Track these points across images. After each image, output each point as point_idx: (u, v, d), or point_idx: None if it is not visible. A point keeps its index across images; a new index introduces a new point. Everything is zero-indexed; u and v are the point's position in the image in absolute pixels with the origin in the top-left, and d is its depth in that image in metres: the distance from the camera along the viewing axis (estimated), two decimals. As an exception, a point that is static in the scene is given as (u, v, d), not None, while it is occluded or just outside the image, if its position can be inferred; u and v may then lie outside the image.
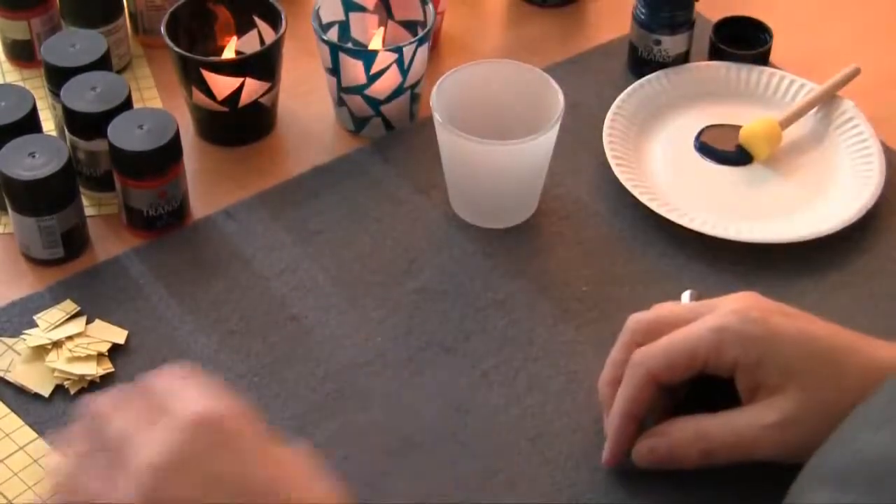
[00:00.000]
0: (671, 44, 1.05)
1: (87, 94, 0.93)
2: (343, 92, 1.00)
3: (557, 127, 0.91)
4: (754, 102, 1.04)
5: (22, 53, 1.07)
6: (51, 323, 0.88)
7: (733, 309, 0.76)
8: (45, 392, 0.84)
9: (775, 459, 0.74)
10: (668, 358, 0.76)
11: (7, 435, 0.80)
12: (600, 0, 1.15)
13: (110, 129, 0.91)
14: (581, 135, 1.01)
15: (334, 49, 0.98)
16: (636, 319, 0.80)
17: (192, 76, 0.97)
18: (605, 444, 0.79)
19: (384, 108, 1.01)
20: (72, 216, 0.91)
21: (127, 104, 0.93)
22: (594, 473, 0.80)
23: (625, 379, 0.77)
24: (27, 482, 0.77)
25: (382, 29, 1.03)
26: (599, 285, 0.91)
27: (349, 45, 1.02)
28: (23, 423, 0.81)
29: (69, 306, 0.89)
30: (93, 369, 0.85)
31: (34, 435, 0.81)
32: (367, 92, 0.99)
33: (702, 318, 0.77)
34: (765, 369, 0.74)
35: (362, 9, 1.03)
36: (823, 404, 0.73)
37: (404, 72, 0.98)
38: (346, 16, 1.02)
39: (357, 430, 0.83)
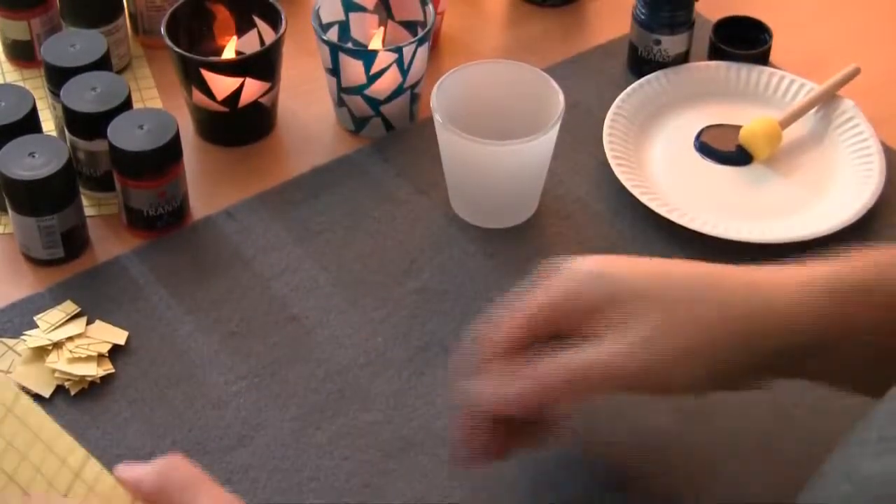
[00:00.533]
0: (671, 44, 1.05)
1: (87, 95, 0.93)
2: (343, 92, 1.00)
3: (557, 127, 0.91)
4: (754, 102, 1.04)
5: (22, 53, 1.07)
6: (51, 324, 0.88)
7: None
8: (46, 393, 0.84)
9: (639, 385, 0.71)
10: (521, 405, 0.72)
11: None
12: (600, 0, 1.15)
13: (110, 130, 0.91)
14: (581, 135, 1.01)
15: (334, 49, 0.98)
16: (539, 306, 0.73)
17: (192, 76, 0.97)
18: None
19: (384, 109, 1.01)
20: (72, 216, 0.91)
21: (127, 104, 0.93)
22: (594, 473, 0.80)
23: (473, 416, 0.73)
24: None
25: (382, 29, 1.03)
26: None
27: (349, 45, 1.02)
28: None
29: (69, 307, 0.89)
30: (93, 370, 0.85)
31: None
32: (367, 92, 0.99)
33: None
34: (618, 305, 0.71)
35: (362, 9, 1.03)
36: (680, 327, 0.70)
37: (404, 72, 0.98)
38: (346, 16, 1.02)
39: (357, 430, 0.83)
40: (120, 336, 0.87)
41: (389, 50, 0.97)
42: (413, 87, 1.00)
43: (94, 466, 0.65)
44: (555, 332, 0.72)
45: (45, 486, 0.64)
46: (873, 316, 0.69)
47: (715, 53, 1.06)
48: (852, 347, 0.70)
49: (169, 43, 0.97)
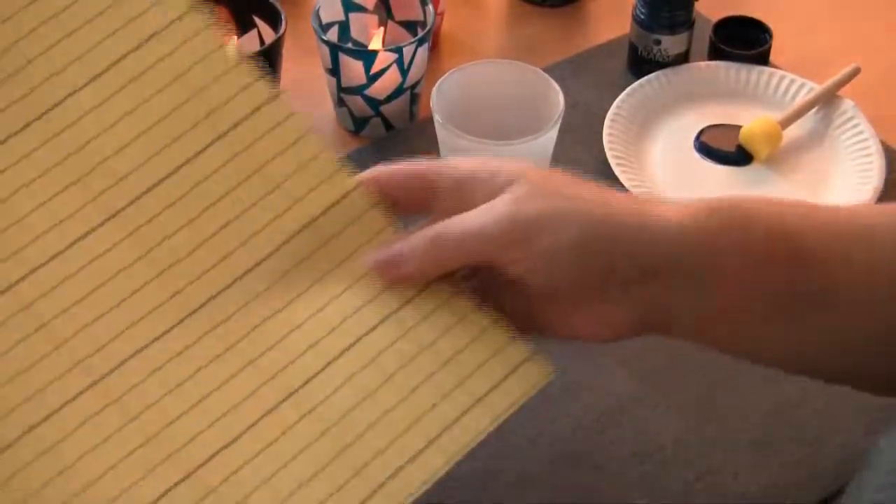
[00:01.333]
0: (671, 43, 1.05)
1: (87, 95, 0.93)
2: (343, 92, 1.00)
3: (557, 127, 0.91)
4: (754, 102, 1.04)
5: (22, 53, 1.07)
6: None
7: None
8: None
9: (505, 256, 0.65)
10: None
11: None
12: (600, 0, 1.15)
13: (110, 130, 0.91)
14: (581, 135, 1.01)
15: (334, 49, 0.98)
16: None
17: (192, 76, 0.97)
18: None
19: (384, 109, 1.01)
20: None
21: (127, 104, 0.93)
22: (594, 473, 0.80)
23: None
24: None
25: (382, 29, 1.03)
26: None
27: (349, 45, 1.02)
28: None
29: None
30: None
31: None
32: (367, 92, 0.99)
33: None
34: (488, 180, 0.67)
35: (362, 9, 1.03)
36: (552, 187, 0.66)
37: (404, 72, 0.98)
38: (346, 16, 1.02)
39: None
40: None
41: (389, 50, 0.97)
42: (413, 87, 1.00)
43: None
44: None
45: None
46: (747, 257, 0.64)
47: (715, 53, 1.06)
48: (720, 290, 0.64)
49: (169, 43, 0.97)
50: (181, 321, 0.64)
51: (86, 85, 0.67)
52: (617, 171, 0.97)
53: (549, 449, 0.81)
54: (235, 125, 0.67)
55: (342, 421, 0.62)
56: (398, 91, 1.00)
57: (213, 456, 0.61)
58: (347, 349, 0.64)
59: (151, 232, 0.65)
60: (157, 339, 0.63)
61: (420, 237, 0.66)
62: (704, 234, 0.64)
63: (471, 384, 0.63)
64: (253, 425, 0.62)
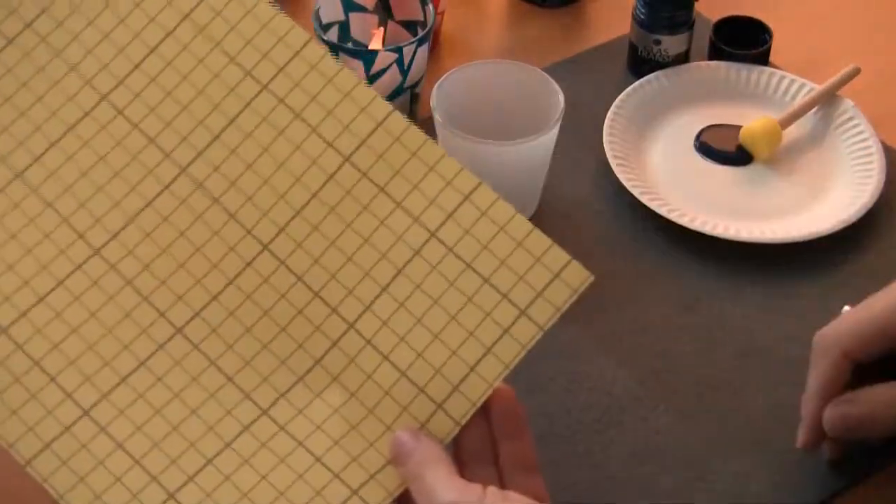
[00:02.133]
0: (671, 44, 1.05)
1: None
2: (343, 92, 1.00)
3: (557, 127, 0.91)
4: (754, 102, 1.04)
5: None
6: None
7: None
8: None
9: None
10: (859, 332, 0.76)
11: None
12: (600, 0, 1.15)
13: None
14: (581, 135, 1.01)
15: (334, 49, 0.98)
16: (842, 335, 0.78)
17: (192, 76, 0.97)
18: (800, 427, 0.79)
19: (384, 108, 1.00)
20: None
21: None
22: (594, 473, 0.80)
23: (816, 359, 0.78)
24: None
25: (382, 29, 1.03)
26: (599, 285, 0.91)
27: (349, 45, 1.02)
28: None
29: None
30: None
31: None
32: (367, 92, 0.99)
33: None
34: None
35: (362, 9, 1.03)
36: None
37: (404, 72, 0.98)
38: (346, 16, 1.02)
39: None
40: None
41: (389, 50, 0.97)
42: (413, 87, 1.00)
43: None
44: None
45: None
46: None
47: (715, 53, 1.06)
48: None
49: (169, 43, 0.97)
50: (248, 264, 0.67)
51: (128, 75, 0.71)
52: (617, 171, 0.97)
53: (549, 449, 0.81)
54: (277, 73, 0.70)
55: (398, 348, 0.65)
56: (398, 91, 1.00)
57: (293, 386, 0.65)
58: (397, 275, 0.67)
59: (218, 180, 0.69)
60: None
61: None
62: None
63: (515, 294, 0.66)
64: (321, 359, 0.65)
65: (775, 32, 1.06)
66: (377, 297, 0.66)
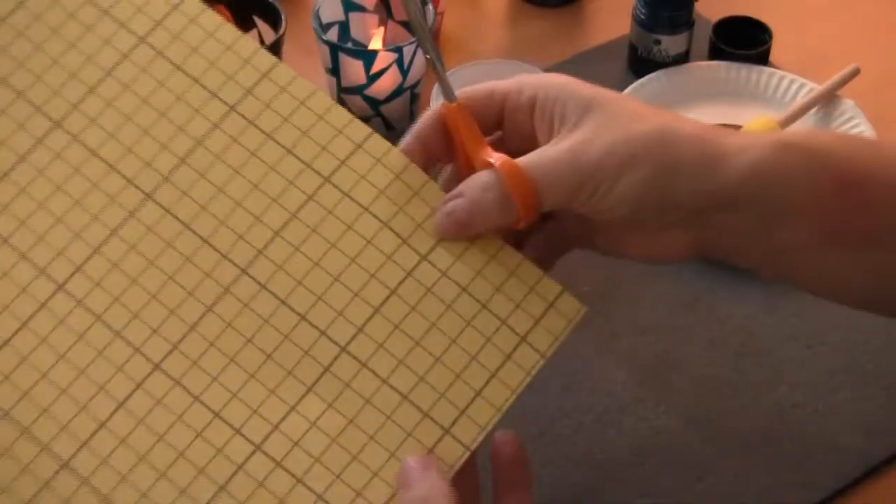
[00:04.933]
0: (671, 43, 1.05)
1: (87, 95, 0.93)
2: (343, 92, 1.00)
3: (557, 127, 0.91)
4: (754, 102, 1.04)
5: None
6: None
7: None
8: None
9: (573, 199, 0.65)
10: (468, 91, 0.69)
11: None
12: (600, 0, 1.15)
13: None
14: (581, 135, 1.01)
15: (334, 49, 0.98)
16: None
17: (192, 76, 0.97)
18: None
19: (384, 108, 1.01)
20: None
21: (127, 104, 0.93)
22: (594, 473, 0.80)
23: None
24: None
25: (382, 29, 1.03)
26: (600, 285, 0.91)
27: (349, 45, 1.02)
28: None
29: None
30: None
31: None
32: (367, 92, 0.99)
33: None
34: (562, 105, 0.67)
35: (362, 9, 1.03)
36: (618, 131, 0.65)
37: (404, 72, 0.98)
38: (346, 16, 1.02)
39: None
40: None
41: (389, 50, 0.97)
42: (413, 87, 1.00)
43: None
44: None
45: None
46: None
47: (715, 53, 1.06)
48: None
49: (169, 43, 0.97)
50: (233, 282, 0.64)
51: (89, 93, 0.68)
52: (617, 171, 0.96)
53: (549, 449, 0.81)
54: (245, 95, 0.68)
55: (397, 371, 0.63)
56: (398, 91, 1.00)
57: (286, 416, 0.62)
58: (388, 298, 0.64)
59: (187, 204, 0.66)
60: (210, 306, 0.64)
61: (482, 192, 0.65)
62: (779, 169, 0.64)
63: (514, 321, 0.64)
64: (316, 382, 0.62)
65: (775, 32, 1.06)
66: (369, 318, 0.64)
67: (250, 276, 0.64)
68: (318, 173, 0.66)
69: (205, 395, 0.62)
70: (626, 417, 0.82)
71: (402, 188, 0.67)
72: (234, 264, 0.64)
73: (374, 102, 1.00)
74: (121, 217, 0.64)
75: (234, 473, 0.60)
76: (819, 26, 1.13)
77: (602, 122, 0.65)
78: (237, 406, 0.62)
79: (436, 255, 0.65)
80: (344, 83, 0.99)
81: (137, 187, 0.65)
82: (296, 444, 0.61)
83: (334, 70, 0.99)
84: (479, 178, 0.65)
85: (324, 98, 0.68)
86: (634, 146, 0.64)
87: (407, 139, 0.69)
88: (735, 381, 0.84)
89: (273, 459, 0.61)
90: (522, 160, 0.65)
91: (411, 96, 1.01)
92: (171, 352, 0.62)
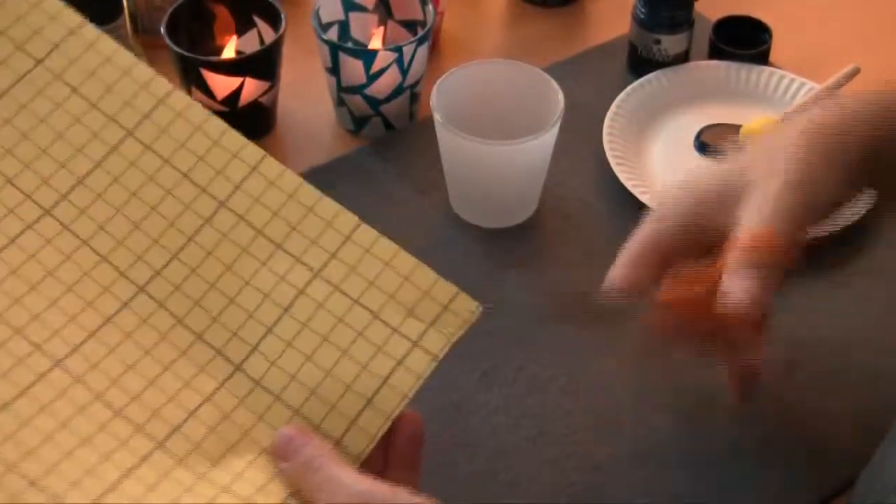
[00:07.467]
0: (671, 43, 1.05)
1: (86, 94, 0.93)
2: (343, 92, 1.00)
3: (557, 127, 0.91)
4: (754, 102, 1.04)
5: (21, 53, 1.07)
6: None
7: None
8: None
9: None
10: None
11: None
12: (600, 0, 1.15)
13: (110, 129, 0.91)
14: (581, 135, 1.01)
15: (334, 49, 0.98)
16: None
17: (191, 76, 0.97)
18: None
19: (384, 108, 1.01)
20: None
21: (127, 104, 0.93)
22: (594, 473, 0.80)
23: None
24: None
25: (382, 29, 1.03)
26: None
27: (349, 44, 1.02)
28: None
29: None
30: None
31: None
32: (367, 92, 0.99)
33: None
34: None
35: (362, 9, 1.03)
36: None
37: (404, 71, 0.98)
38: (346, 15, 1.02)
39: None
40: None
41: (389, 49, 0.97)
42: (413, 86, 1.00)
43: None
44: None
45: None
46: None
47: (715, 53, 1.06)
48: None
49: (169, 43, 0.97)
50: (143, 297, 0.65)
51: None
52: (617, 170, 0.97)
53: (549, 449, 0.81)
54: (142, 120, 0.69)
55: (289, 387, 0.64)
56: (398, 90, 1.00)
57: (185, 420, 0.62)
58: (283, 314, 0.66)
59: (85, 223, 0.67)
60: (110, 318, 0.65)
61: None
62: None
63: (406, 328, 0.65)
64: (209, 398, 0.63)
65: (775, 32, 1.06)
66: (263, 337, 0.65)
67: (148, 294, 0.65)
68: (214, 197, 0.68)
69: (107, 396, 0.62)
70: (626, 417, 0.82)
71: (297, 207, 0.68)
72: (133, 282, 0.66)
73: (373, 102, 1.00)
74: (18, 228, 0.66)
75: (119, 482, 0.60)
76: (819, 26, 1.13)
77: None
78: (136, 407, 0.62)
79: (329, 271, 0.66)
80: (344, 83, 0.99)
81: (36, 202, 0.67)
82: (181, 461, 0.61)
83: (334, 69, 0.99)
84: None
85: (218, 123, 0.69)
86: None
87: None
88: (735, 381, 0.84)
89: (183, 482, 0.61)
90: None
91: (411, 96, 1.01)
92: (70, 352, 0.63)
